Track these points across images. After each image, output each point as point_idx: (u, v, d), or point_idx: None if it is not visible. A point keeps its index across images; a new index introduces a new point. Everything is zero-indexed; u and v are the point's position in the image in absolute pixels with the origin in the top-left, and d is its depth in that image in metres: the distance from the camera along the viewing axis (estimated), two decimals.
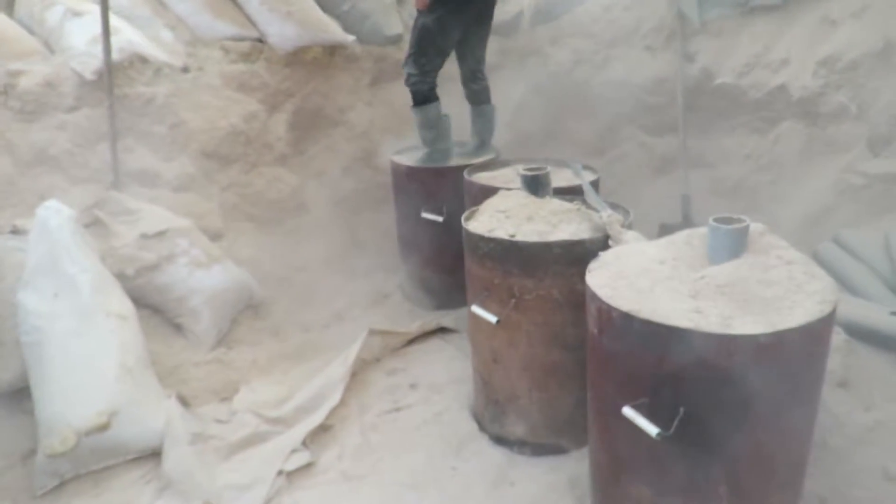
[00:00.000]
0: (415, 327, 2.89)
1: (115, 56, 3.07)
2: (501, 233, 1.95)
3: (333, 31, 3.69)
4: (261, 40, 3.63)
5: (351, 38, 3.77)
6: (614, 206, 2.04)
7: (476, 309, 1.98)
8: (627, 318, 1.41)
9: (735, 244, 1.50)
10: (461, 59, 3.33)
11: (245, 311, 3.10)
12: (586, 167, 2.74)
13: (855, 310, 2.05)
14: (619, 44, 4.13)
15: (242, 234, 3.47)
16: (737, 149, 3.54)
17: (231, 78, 3.53)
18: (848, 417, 1.71)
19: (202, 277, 2.83)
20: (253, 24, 3.59)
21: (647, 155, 3.97)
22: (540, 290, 1.90)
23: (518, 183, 2.59)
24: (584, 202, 2.13)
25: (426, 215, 3.05)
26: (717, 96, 3.61)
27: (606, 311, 1.47)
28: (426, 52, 3.09)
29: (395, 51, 4.23)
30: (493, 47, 4.40)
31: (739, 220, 1.52)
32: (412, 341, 2.89)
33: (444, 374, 2.62)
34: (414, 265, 3.31)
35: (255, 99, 3.62)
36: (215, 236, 3.29)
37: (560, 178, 2.67)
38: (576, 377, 1.97)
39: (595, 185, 2.57)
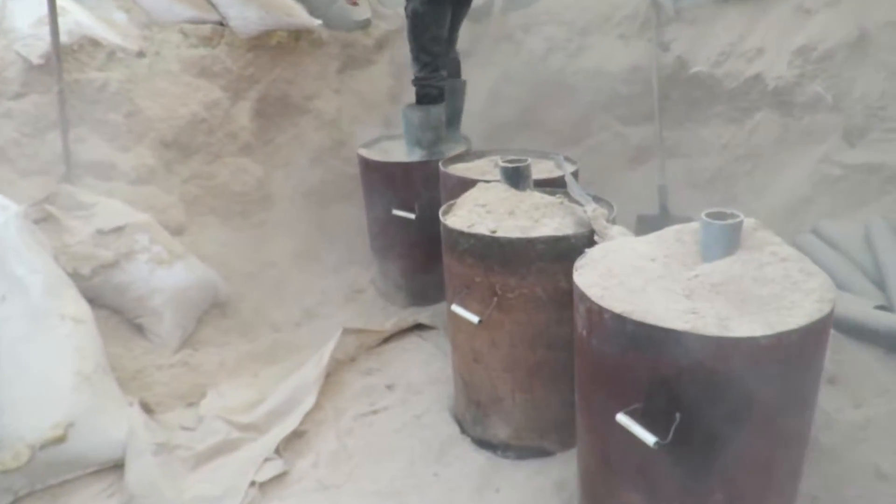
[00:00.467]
0: (390, 325, 2.79)
1: (63, 39, 2.87)
2: (482, 228, 1.86)
3: (298, 14, 3.54)
4: (222, 24, 3.45)
5: (317, 22, 3.62)
6: (597, 199, 1.97)
7: (456, 308, 1.90)
8: (620, 319, 1.35)
9: (728, 240, 1.44)
10: None
11: (211, 310, 2.95)
12: (567, 158, 2.67)
13: (839, 303, 2.02)
14: (592, 31, 4.07)
15: (206, 228, 3.31)
16: (713, 139, 3.52)
17: (191, 63, 3.35)
18: (839, 414, 1.69)
19: (164, 275, 2.68)
20: (213, 6, 3.42)
21: (623, 145, 3.92)
22: (523, 288, 1.82)
23: (496, 175, 2.52)
24: (567, 195, 2.05)
25: (397, 213, 2.94)
26: (693, 86, 3.58)
27: (597, 312, 1.40)
28: (423, 44, 2.90)
29: (363, 36, 4.10)
30: (464, 34, 4.30)
31: (732, 216, 1.46)
32: (388, 339, 2.79)
33: (423, 374, 2.53)
34: (386, 262, 3.21)
35: (216, 86, 3.45)
36: (177, 231, 3.13)
37: (539, 170, 2.60)
38: (561, 378, 1.90)
39: (575, 176, 2.51)
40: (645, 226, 3.30)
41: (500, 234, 1.82)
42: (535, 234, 1.80)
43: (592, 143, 4.06)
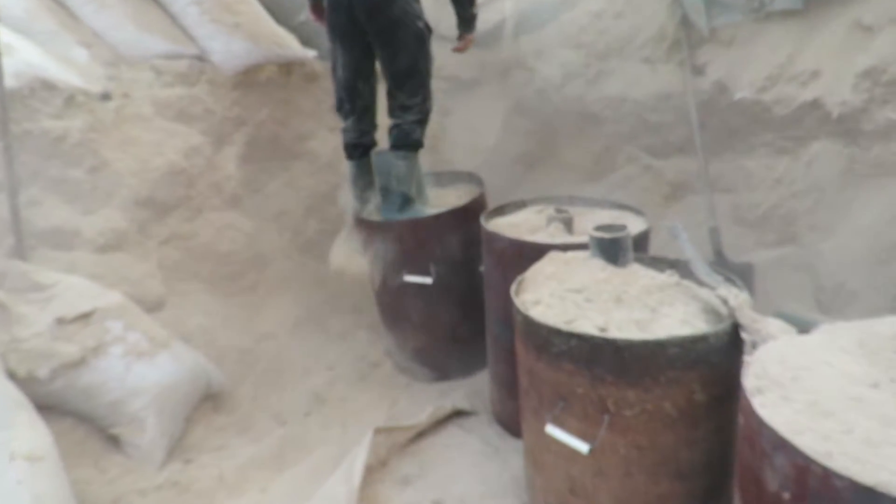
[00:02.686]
0: (426, 416, 2.30)
1: (9, 83, 2.35)
2: (586, 324, 1.41)
3: (290, 45, 3.07)
4: (201, 58, 2.97)
5: (311, 53, 3.16)
6: (727, 278, 1.53)
7: (553, 431, 1.43)
8: (872, 496, 0.90)
9: None
10: None
11: (202, 405, 2.43)
12: (635, 211, 2.26)
13: None
14: (612, 56, 3.69)
15: (189, 298, 2.79)
16: (761, 172, 3.15)
17: (166, 105, 2.85)
18: None
19: (144, 371, 2.16)
20: (191, 38, 2.93)
21: (654, 179, 3.54)
22: (646, 404, 1.37)
23: (552, 231, 2.09)
24: (674, 266, 1.62)
25: (410, 278, 2.48)
26: (733, 113, 3.21)
27: (821, 478, 0.95)
28: (334, 75, 2.59)
29: None
30: (472, 61, 3.90)
31: None
32: (422, 432, 2.31)
33: (475, 482, 2.05)
34: (402, 334, 2.74)
35: (197, 130, 2.95)
36: (155, 305, 2.61)
37: (585, 220, 2.19)
38: None
39: (645, 235, 2.09)
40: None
41: (612, 333, 1.37)
42: (663, 334, 1.35)
43: (618, 178, 3.67)
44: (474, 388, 2.56)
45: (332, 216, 3.47)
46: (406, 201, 2.57)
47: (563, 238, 1.96)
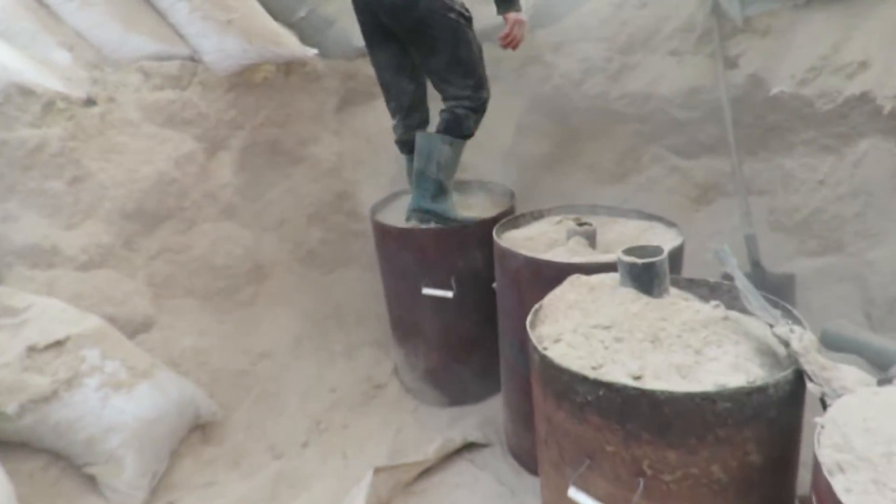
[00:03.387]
0: (433, 451, 2.08)
1: None
2: (617, 371, 1.18)
3: (289, 43, 2.86)
4: (193, 59, 2.76)
5: (312, 51, 2.95)
6: (785, 311, 1.29)
7: (578, 496, 1.20)
8: None
9: None
10: None
11: (189, 436, 2.23)
12: (666, 222, 2.01)
13: None
14: (636, 49, 3.43)
15: (181, 316, 2.60)
16: (801, 172, 2.88)
17: (155, 110, 2.66)
18: None
19: (123, 405, 1.96)
20: (182, 37, 2.73)
21: (681, 181, 3.28)
22: (691, 467, 1.14)
23: (574, 246, 1.85)
24: (714, 290, 1.38)
25: (429, 291, 2.26)
26: (770, 108, 2.94)
27: None
28: (377, 75, 2.54)
29: (364, 64, 3.41)
30: (486, 57, 3.67)
31: None
32: (430, 467, 2.09)
33: None
34: (414, 352, 2.52)
35: (189, 135, 2.75)
36: (143, 326, 2.42)
37: (610, 232, 1.95)
38: None
39: (679, 251, 1.84)
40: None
41: (649, 382, 1.14)
42: (710, 384, 1.11)
43: (642, 181, 3.41)
44: (487, 415, 2.35)
45: (337, 225, 3.27)
46: (440, 191, 2.34)
47: (585, 255, 1.72)
